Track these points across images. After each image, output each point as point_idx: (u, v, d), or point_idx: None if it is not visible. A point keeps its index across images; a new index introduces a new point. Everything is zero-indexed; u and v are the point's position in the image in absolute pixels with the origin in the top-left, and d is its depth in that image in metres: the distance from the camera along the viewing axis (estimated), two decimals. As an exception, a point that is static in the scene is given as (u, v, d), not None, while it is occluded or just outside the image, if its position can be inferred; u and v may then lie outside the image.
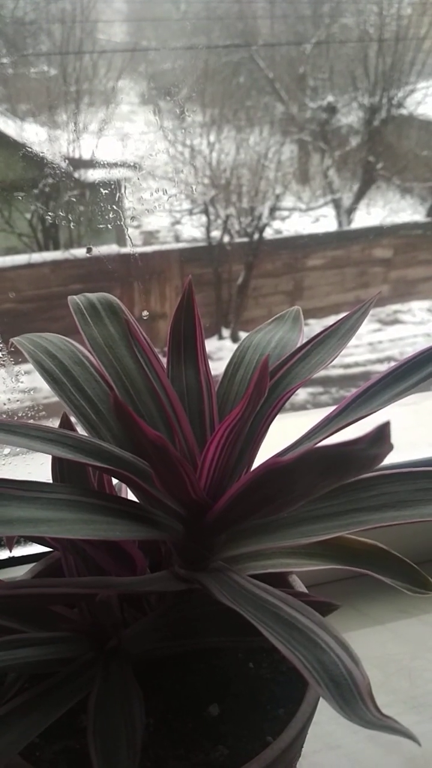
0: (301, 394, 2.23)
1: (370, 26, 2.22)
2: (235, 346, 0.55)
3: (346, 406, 0.43)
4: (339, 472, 0.33)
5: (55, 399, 0.47)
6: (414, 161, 2.68)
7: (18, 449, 0.68)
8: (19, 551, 0.69)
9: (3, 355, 0.63)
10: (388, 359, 2.61)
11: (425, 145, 2.62)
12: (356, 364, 2.56)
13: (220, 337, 2.44)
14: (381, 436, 0.28)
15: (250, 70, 2.39)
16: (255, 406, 0.40)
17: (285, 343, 0.54)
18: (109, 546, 0.44)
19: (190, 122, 1.98)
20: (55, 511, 0.37)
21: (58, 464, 0.48)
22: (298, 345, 0.52)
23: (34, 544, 0.69)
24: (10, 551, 0.68)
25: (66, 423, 0.49)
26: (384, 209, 2.68)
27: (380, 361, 2.61)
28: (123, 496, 0.54)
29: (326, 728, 0.63)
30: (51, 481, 0.48)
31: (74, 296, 0.52)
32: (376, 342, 2.71)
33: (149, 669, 0.48)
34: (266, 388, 0.40)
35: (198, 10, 1.72)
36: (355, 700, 0.34)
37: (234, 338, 2.42)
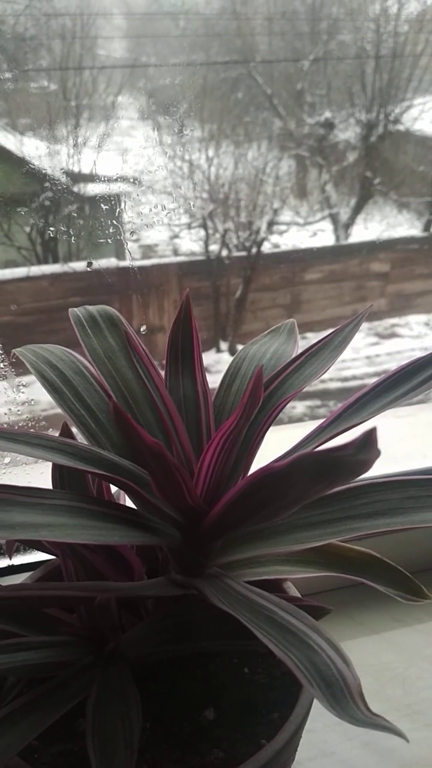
0: (299, 408, 2.24)
1: (368, 43, 2.24)
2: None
3: (337, 416, 0.44)
4: (330, 477, 0.34)
5: (54, 411, 0.48)
6: (411, 176, 2.70)
7: (19, 458, 0.69)
8: (18, 559, 0.70)
9: (4, 366, 0.64)
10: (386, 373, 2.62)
11: (421, 161, 2.65)
12: (354, 378, 2.58)
13: (218, 350, 2.45)
14: (368, 442, 0.29)
15: (249, 86, 2.41)
16: (250, 414, 0.41)
17: (280, 354, 0.55)
18: (108, 551, 0.45)
19: (189, 137, 2.00)
20: (55, 516, 0.38)
21: (58, 472, 0.49)
22: (293, 357, 0.53)
23: (33, 552, 0.70)
24: (10, 559, 0.69)
25: (66, 432, 0.50)
26: (381, 224, 2.70)
27: (378, 374, 2.61)
28: (122, 503, 0.55)
29: (321, 736, 0.64)
30: (51, 488, 0.49)
31: (75, 309, 0.53)
32: (374, 356, 2.73)
33: (146, 673, 0.49)
34: (260, 397, 0.41)
35: (197, 27, 1.74)
36: (346, 699, 0.35)
37: (232, 351, 2.43)
